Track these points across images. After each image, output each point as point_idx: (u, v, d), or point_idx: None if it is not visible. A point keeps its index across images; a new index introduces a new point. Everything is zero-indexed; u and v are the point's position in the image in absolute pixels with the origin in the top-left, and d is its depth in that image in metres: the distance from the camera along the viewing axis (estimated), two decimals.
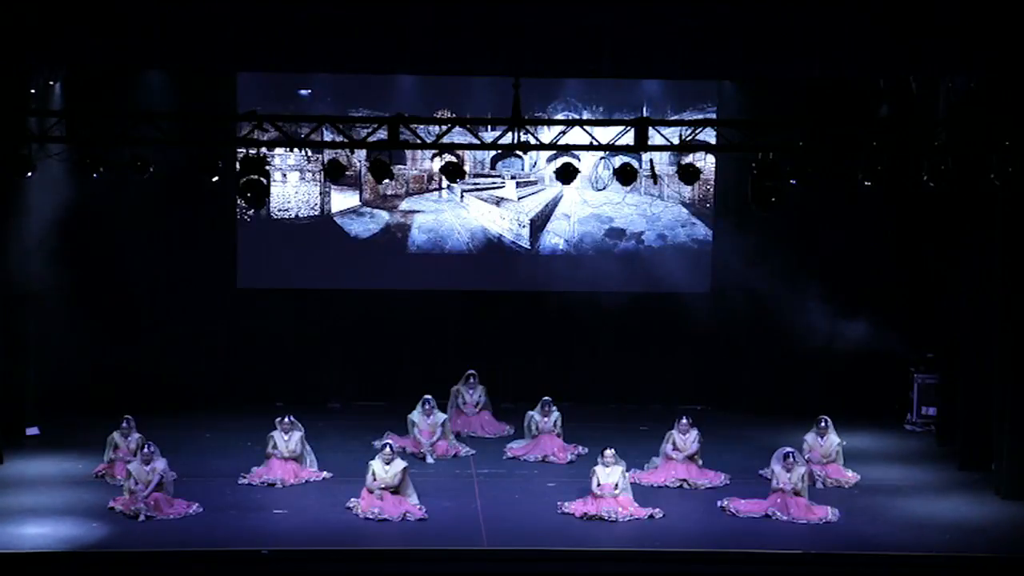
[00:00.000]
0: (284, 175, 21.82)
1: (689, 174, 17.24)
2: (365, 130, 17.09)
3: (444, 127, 17.22)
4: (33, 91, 18.91)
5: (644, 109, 21.27)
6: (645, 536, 16.06)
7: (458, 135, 19.04)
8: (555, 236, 22.24)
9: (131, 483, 16.49)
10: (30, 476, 17.99)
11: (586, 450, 19.21)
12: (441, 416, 19.51)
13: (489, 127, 19.65)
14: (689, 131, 17.45)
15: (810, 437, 18.39)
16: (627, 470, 17.08)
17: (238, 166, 16.52)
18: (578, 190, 21.74)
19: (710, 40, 17.67)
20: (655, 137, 16.56)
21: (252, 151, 16.42)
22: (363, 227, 22.11)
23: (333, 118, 17.18)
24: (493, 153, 21.68)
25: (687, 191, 21.92)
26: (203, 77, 20.34)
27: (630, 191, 21.03)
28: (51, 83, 19.56)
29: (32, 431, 19.97)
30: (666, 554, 15.47)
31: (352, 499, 16.77)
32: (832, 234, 21.55)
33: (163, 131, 16.71)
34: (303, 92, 21.19)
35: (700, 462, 18.24)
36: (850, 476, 18.25)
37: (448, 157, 17.05)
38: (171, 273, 21.43)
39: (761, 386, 21.88)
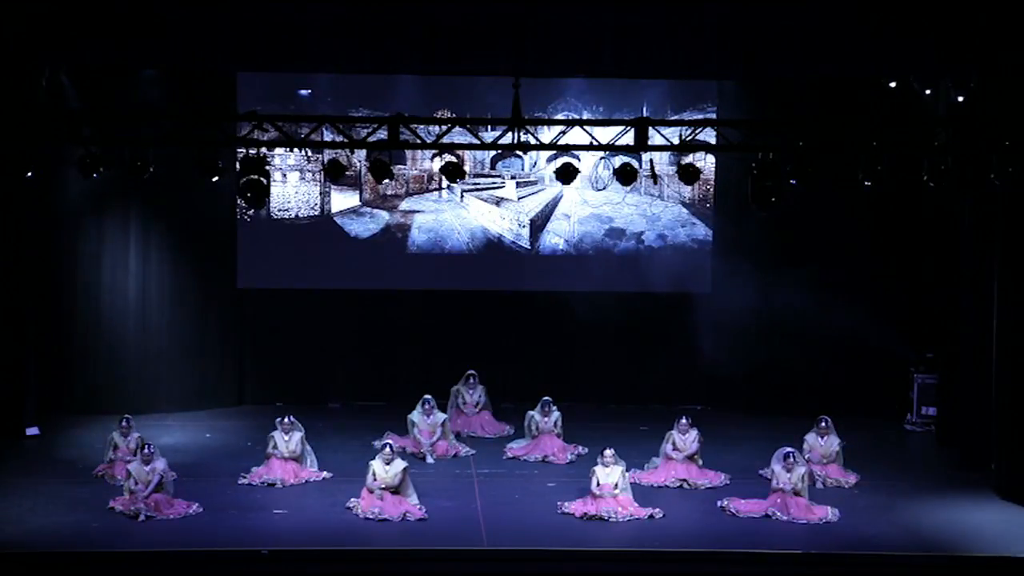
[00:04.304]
0: (284, 175, 21.81)
1: (689, 174, 17.22)
2: (365, 130, 17.08)
3: (444, 127, 17.21)
4: (38, 91, 18.90)
5: (644, 109, 21.26)
6: (645, 536, 16.05)
7: (458, 135, 19.03)
8: (555, 236, 22.23)
9: (131, 483, 16.49)
10: (30, 476, 17.98)
11: (586, 450, 19.20)
12: (441, 416, 19.51)
13: (489, 127, 19.67)
14: (689, 131, 17.43)
15: (810, 437, 18.38)
16: (627, 470, 17.07)
17: (238, 166, 16.54)
18: (578, 190, 21.73)
19: (710, 40, 17.67)
20: (655, 137, 16.57)
21: (252, 151, 16.43)
22: (363, 227, 22.10)
23: (333, 118, 17.17)
24: (493, 153, 21.66)
25: (687, 191, 21.90)
26: (203, 77, 20.34)
27: (630, 191, 21.04)
28: (59, 83, 19.54)
29: (32, 431, 19.94)
30: (666, 554, 15.46)
31: (352, 499, 16.76)
32: (832, 234, 21.52)
33: (163, 131, 16.70)
34: (303, 92, 21.16)
35: (700, 462, 18.23)
36: (850, 476, 18.25)
37: (448, 157, 17.05)
38: (171, 273, 21.42)
39: (761, 386, 21.83)
